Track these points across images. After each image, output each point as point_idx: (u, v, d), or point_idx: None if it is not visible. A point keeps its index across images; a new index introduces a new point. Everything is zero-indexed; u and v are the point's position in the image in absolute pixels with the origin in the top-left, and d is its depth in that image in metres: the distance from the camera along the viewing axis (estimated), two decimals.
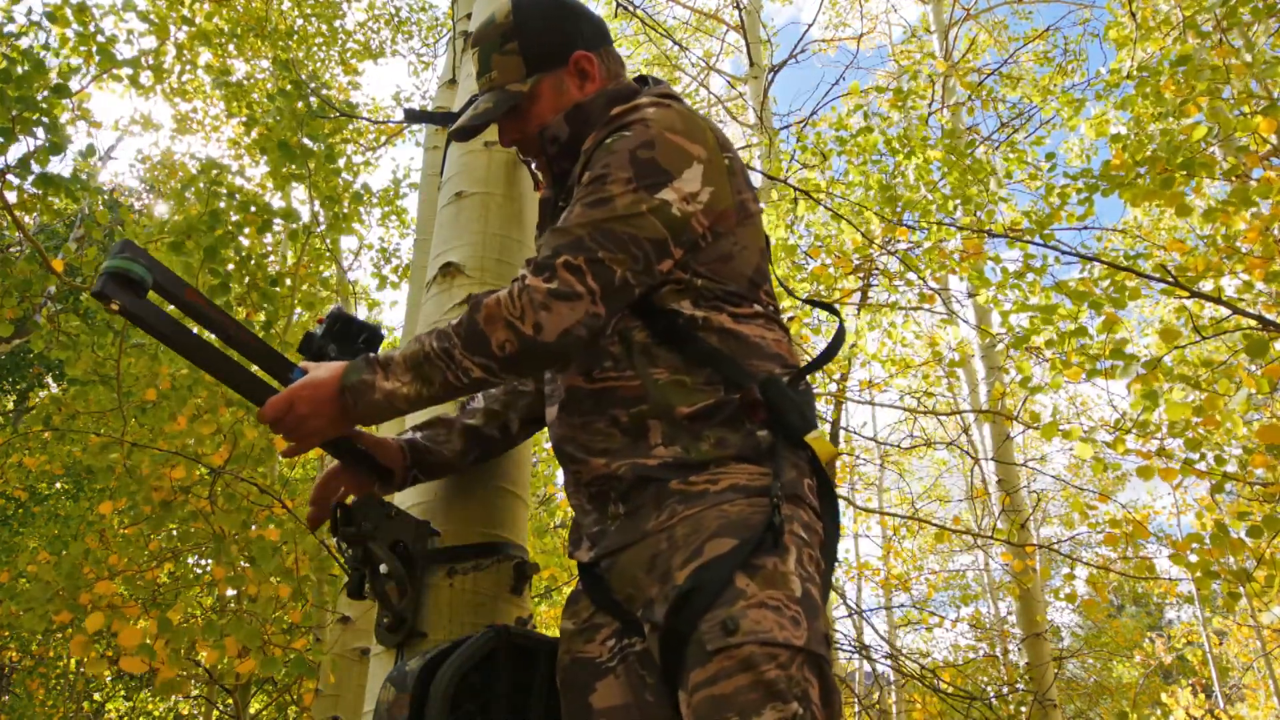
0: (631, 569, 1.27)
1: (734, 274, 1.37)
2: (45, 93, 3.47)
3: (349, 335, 1.48)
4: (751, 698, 1.08)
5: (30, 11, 4.03)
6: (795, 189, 5.13)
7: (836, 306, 1.62)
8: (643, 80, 1.55)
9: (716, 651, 1.11)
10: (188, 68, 6.82)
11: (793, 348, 1.41)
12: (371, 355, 1.34)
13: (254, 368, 1.42)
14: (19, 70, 3.36)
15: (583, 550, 1.38)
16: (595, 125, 1.44)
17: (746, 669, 1.09)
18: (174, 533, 4.66)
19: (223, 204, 3.68)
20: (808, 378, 1.39)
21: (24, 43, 3.74)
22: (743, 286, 1.37)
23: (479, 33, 1.53)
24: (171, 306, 1.36)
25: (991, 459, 7.18)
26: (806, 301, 1.72)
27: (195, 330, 1.40)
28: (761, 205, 6.38)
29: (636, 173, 1.29)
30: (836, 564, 1.32)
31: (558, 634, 1.42)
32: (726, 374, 1.30)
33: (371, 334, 1.49)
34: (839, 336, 1.49)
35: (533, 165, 1.70)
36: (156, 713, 10.18)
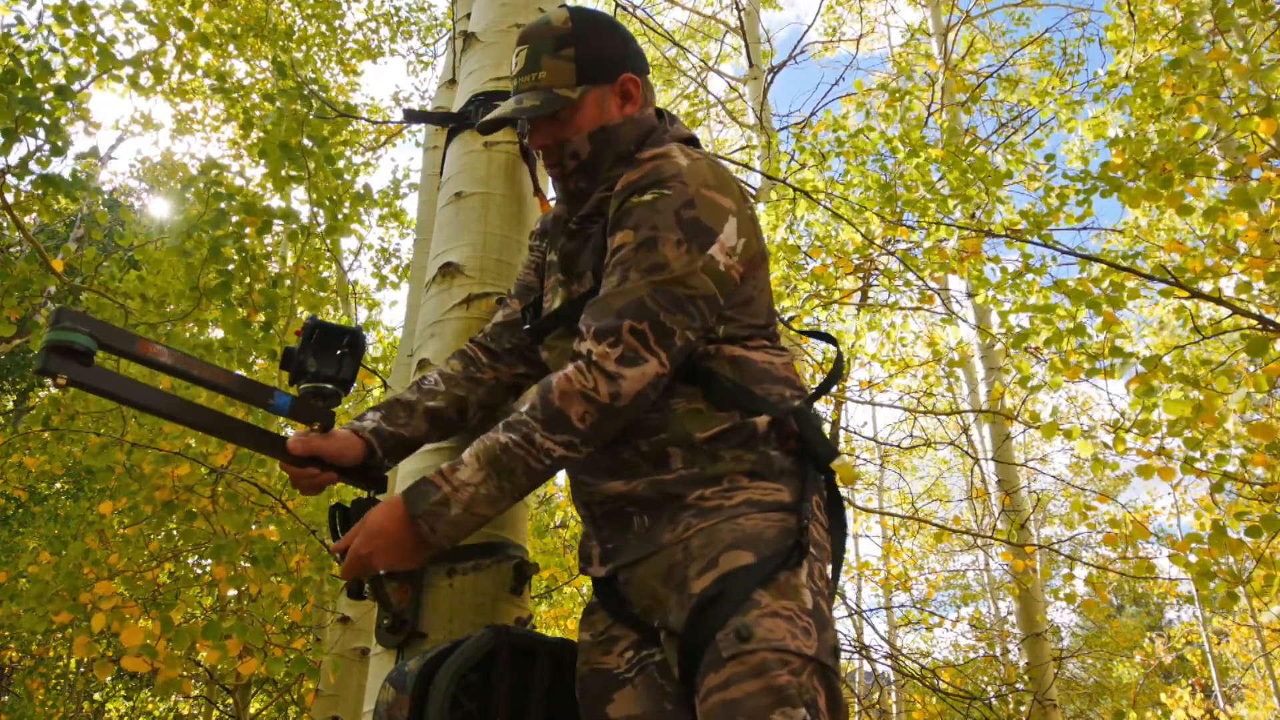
0: (649, 580, 1.31)
1: (755, 314, 1.42)
2: (49, 94, 3.47)
3: (328, 344, 1.47)
4: (762, 702, 1.11)
5: (41, 15, 4.03)
6: (795, 189, 5.13)
7: (834, 335, 1.70)
8: (659, 114, 1.58)
9: (730, 658, 1.14)
10: (187, 68, 6.81)
11: (794, 367, 1.47)
12: (431, 473, 1.29)
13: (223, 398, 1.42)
14: (25, 72, 3.36)
15: (595, 565, 1.41)
16: (617, 152, 1.47)
17: (758, 675, 1.12)
18: (174, 533, 4.66)
19: (223, 205, 3.68)
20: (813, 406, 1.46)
21: (29, 44, 3.73)
22: (760, 323, 1.43)
23: (529, 31, 1.52)
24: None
25: (991, 459, 7.18)
26: (803, 333, 1.76)
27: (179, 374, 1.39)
28: (761, 206, 6.38)
29: (685, 233, 1.32)
30: (841, 569, 1.37)
31: (558, 635, 1.44)
32: (740, 401, 1.35)
33: (353, 337, 1.49)
34: (838, 365, 1.55)
35: (536, 169, 1.71)
36: (156, 713, 10.18)
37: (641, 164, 1.39)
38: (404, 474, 1.77)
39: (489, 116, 1.53)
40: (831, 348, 1.53)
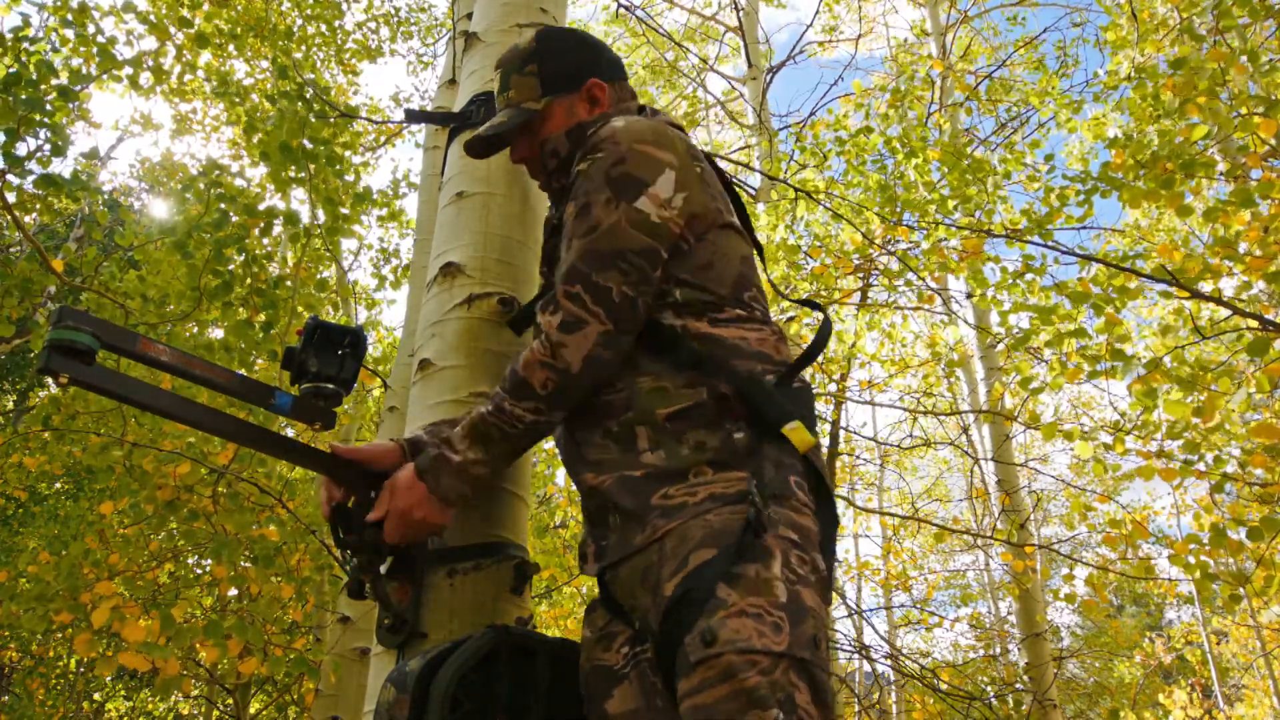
0: (629, 582, 1.31)
1: (715, 280, 1.41)
2: (51, 95, 3.48)
3: (329, 344, 1.48)
4: (731, 707, 1.10)
5: (47, 19, 4.04)
6: (795, 189, 5.13)
7: (820, 303, 1.71)
8: (641, 111, 1.60)
9: (698, 662, 1.13)
10: (187, 68, 6.82)
11: (781, 345, 1.43)
12: (440, 439, 1.43)
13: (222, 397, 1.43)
14: (31, 74, 3.37)
15: (590, 565, 1.42)
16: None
17: (726, 678, 1.11)
18: (175, 533, 4.66)
19: (223, 205, 3.68)
20: (806, 379, 1.42)
21: (33, 46, 3.74)
22: (724, 292, 1.41)
23: (503, 57, 1.63)
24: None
25: (991, 459, 7.18)
26: (795, 301, 1.74)
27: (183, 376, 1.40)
28: (760, 206, 6.38)
29: (614, 190, 1.35)
30: (836, 561, 1.34)
31: (558, 635, 1.44)
32: (707, 376, 1.33)
33: (354, 337, 1.49)
34: (824, 330, 1.51)
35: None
36: (156, 713, 10.18)
37: (587, 139, 1.44)
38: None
39: (469, 140, 1.62)
40: (829, 330, 1.48)
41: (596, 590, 1.45)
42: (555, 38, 1.61)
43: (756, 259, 1.55)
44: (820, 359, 6.46)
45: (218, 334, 4.59)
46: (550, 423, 1.38)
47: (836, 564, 1.35)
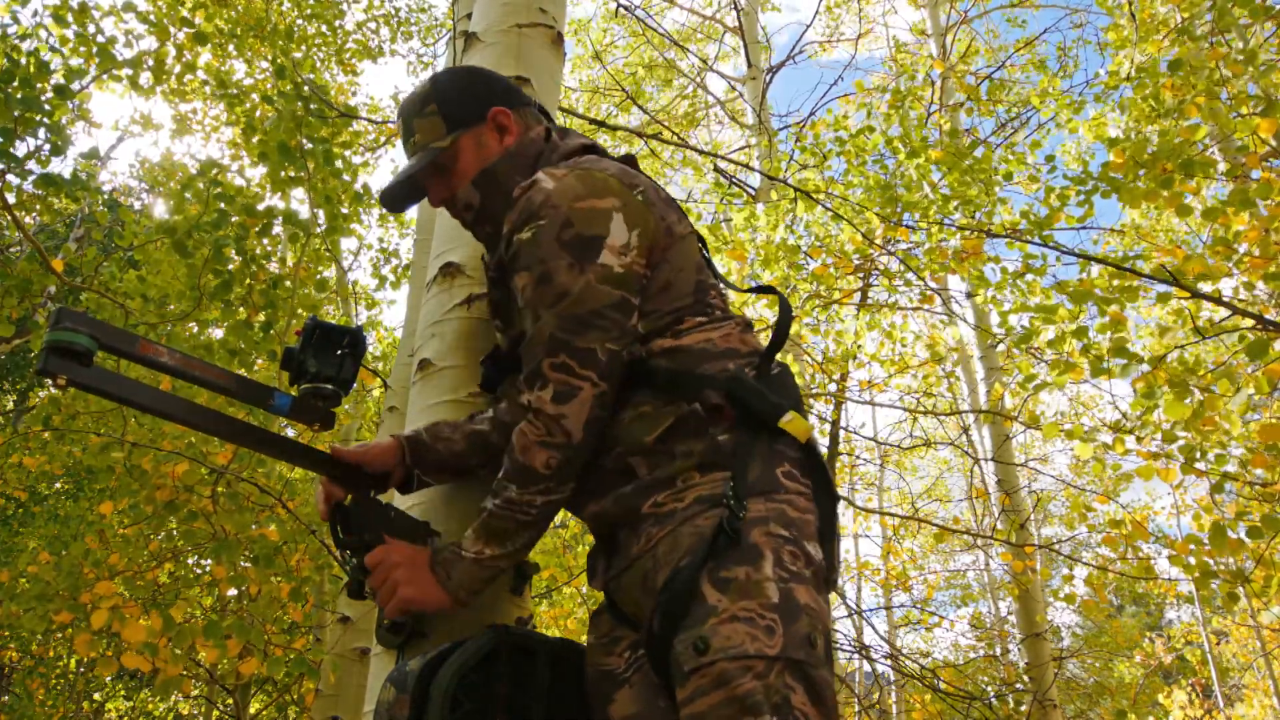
0: (631, 589, 1.33)
1: (675, 297, 1.41)
2: (48, 94, 3.48)
3: (328, 344, 1.48)
4: (724, 713, 1.11)
5: (36, 14, 4.03)
6: (795, 189, 5.13)
7: (773, 286, 1.70)
8: (549, 133, 1.60)
9: (692, 671, 1.14)
10: (187, 68, 6.81)
11: (747, 335, 1.43)
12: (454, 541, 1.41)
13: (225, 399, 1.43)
14: (27, 71, 3.37)
15: (597, 579, 1.46)
16: (504, 191, 1.50)
17: (719, 686, 1.12)
18: (174, 533, 4.66)
19: (222, 205, 3.68)
20: (783, 362, 1.42)
21: (27, 44, 3.74)
22: (684, 303, 1.42)
23: (401, 107, 1.62)
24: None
25: (991, 459, 7.18)
26: (749, 290, 1.73)
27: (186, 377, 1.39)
28: (760, 206, 6.38)
29: (573, 254, 1.33)
30: (839, 539, 1.34)
31: (558, 635, 1.45)
32: (682, 388, 1.34)
33: (353, 337, 1.48)
34: (784, 312, 1.49)
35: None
36: (156, 713, 10.18)
37: (515, 202, 1.41)
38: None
39: (382, 192, 1.61)
40: (789, 311, 1.47)
41: (601, 594, 1.47)
42: (449, 75, 1.62)
43: (704, 251, 1.54)
44: (820, 359, 6.46)
45: (218, 334, 4.59)
46: (563, 497, 1.38)
47: (840, 553, 1.35)
